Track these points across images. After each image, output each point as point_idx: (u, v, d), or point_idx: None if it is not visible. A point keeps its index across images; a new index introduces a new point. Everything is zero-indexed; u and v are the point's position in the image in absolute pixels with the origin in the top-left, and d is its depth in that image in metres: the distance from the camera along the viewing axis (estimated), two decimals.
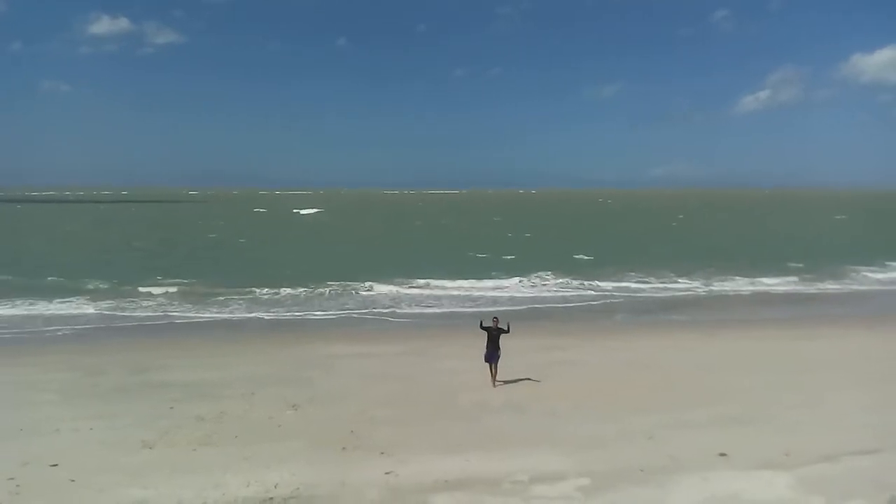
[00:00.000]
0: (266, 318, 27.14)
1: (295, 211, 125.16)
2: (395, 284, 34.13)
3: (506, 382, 16.08)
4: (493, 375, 16.16)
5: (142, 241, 62.19)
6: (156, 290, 32.01)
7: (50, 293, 30.70)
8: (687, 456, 11.34)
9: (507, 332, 16.27)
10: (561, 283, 35.78)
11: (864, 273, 39.26)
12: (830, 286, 35.52)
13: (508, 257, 46.68)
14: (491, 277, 37.19)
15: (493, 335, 16.19)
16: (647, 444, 12.01)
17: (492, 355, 16.18)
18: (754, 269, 39.51)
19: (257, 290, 32.05)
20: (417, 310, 29.00)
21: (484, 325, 16.41)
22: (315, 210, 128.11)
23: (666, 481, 10.40)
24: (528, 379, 16.51)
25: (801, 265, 40.78)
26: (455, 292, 32.79)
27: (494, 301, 30.92)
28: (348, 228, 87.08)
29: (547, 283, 35.86)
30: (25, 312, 27.36)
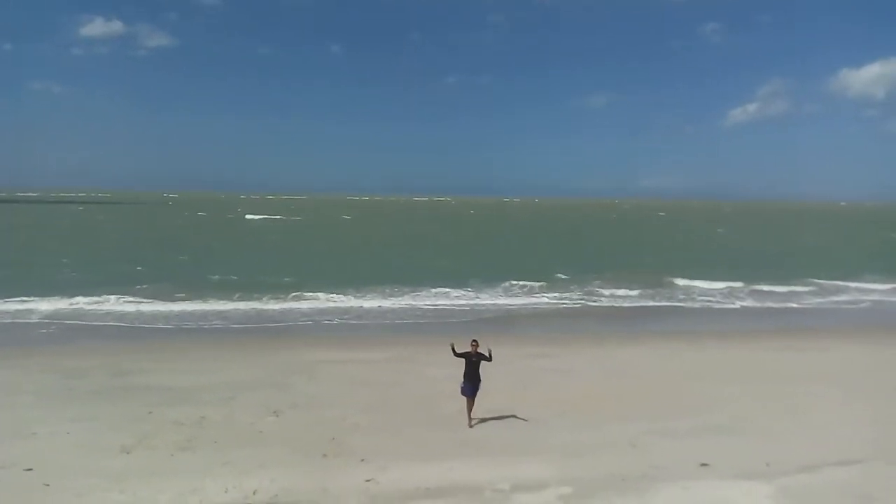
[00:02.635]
0: (237, 324, 26.72)
1: (248, 217, 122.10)
2: (369, 293, 33.94)
3: (483, 420, 13.86)
4: (470, 411, 13.81)
5: (98, 243, 61.98)
6: (121, 294, 31.44)
7: (9, 294, 30.17)
8: (668, 465, 11.36)
9: (489, 359, 13.66)
10: (541, 292, 35.69)
11: (850, 286, 39.57)
12: (814, 298, 35.78)
13: (485, 266, 46.17)
14: (464, 286, 36.79)
15: (473, 362, 13.69)
16: (630, 453, 12.01)
17: (471, 387, 13.67)
18: (739, 278, 39.67)
19: (221, 296, 31.74)
20: (396, 318, 28.79)
21: (458, 351, 13.71)
22: (264, 216, 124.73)
23: (647, 490, 10.41)
24: (510, 387, 16.39)
25: (787, 277, 41.01)
26: (425, 302, 32.34)
27: (469, 311, 30.66)
28: (313, 234, 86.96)
29: (525, 291, 35.77)
30: None
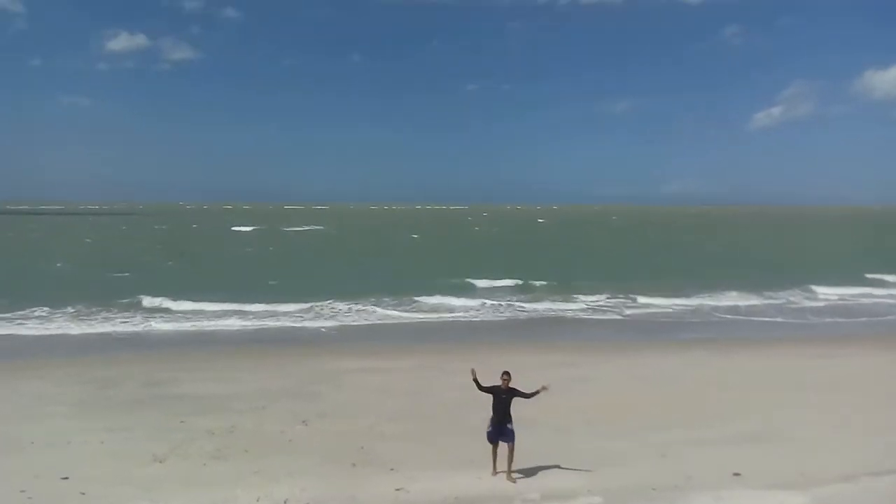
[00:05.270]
0: (259, 335, 26.99)
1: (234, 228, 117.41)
2: (386, 303, 33.99)
3: (527, 476, 11.22)
4: (509, 461, 11.06)
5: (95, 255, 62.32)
6: (147, 303, 32.02)
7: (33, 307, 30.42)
8: (700, 474, 11.23)
9: (528, 396, 11.00)
10: (560, 301, 35.35)
11: (882, 291, 38.87)
12: (846, 304, 35.18)
13: (499, 274, 45.17)
14: (477, 294, 36.97)
15: (503, 400, 11.00)
16: (660, 462, 11.91)
17: (499, 431, 11.01)
18: (765, 286, 39.12)
19: (237, 307, 31.68)
20: (416, 327, 28.91)
21: (483, 385, 11.07)
22: (251, 228, 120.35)
23: (678, 500, 10.30)
24: (537, 396, 16.25)
25: (815, 286, 40.26)
26: (438, 312, 32.20)
27: (485, 321, 30.70)
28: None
29: (544, 300, 35.44)
30: (24, 328, 27.10)
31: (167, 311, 30.98)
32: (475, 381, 11.08)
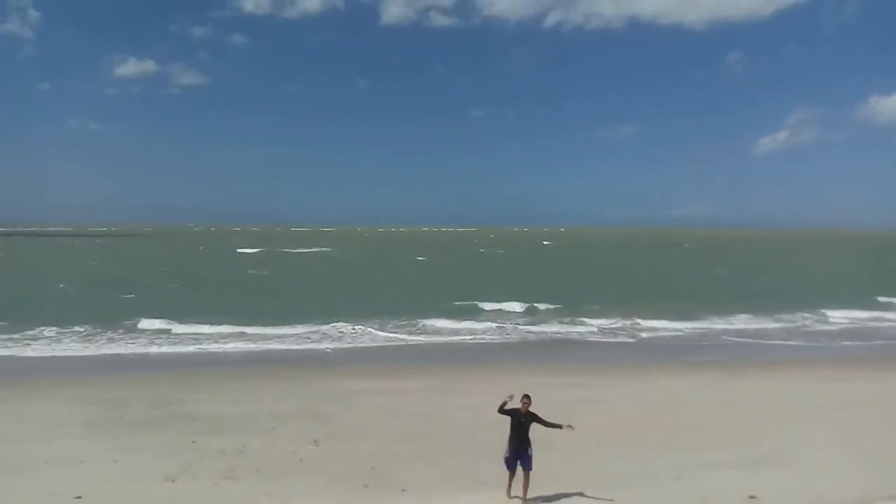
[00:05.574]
0: (268, 355, 27.04)
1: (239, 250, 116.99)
2: (393, 323, 34.08)
3: (542, 500, 11.04)
4: (524, 487, 10.82)
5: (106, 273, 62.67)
6: (148, 325, 32.07)
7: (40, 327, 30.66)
8: (715, 498, 11.15)
9: (547, 425, 10.79)
10: (571, 321, 35.41)
11: (894, 315, 38.64)
12: (858, 328, 34.96)
13: (504, 296, 44.85)
14: (483, 317, 37.07)
15: (521, 424, 10.78)
16: (675, 485, 11.82)
17: (517, 457, 10.84)
18: (776, 310, 39.02)
19: (251, 326, 31.81)
20: (424, 348, 28.93)
21: (507, 407, 10.84)
22: (256, 249, 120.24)
23: None
24: (548, 418, 16.19)
25: (824, 306, 40.14)
26: (443, 334, 32.26)
27: (491, 343, 30.76)
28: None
29: (552, 321, 35.50)
30: (32, 350, 27.09)
31: (171, 333, 30.98)
32: (503, 402, 10.77)
